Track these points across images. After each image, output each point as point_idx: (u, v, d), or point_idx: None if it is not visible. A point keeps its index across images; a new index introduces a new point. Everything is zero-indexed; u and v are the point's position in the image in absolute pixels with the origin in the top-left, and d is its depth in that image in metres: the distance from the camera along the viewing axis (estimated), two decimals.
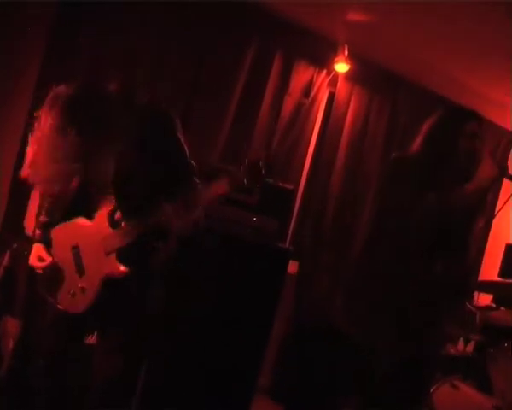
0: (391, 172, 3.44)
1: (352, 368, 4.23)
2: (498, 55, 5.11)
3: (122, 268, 3.01)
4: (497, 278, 5.89)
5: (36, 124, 3.00)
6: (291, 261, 4.69)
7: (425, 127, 3.48)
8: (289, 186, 4.67)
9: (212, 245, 4.18)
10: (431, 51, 5.40)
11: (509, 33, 4.53)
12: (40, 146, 3.00)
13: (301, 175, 5.37)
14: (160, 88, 4.27)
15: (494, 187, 3.43)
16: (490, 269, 6.07)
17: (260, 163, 2.89)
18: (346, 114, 5.46)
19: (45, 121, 2.97)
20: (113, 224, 3.04)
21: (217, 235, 4.20)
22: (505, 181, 3.38)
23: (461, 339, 5.21)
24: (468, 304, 4.73)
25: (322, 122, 5.46)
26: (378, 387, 3.47)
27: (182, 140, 3.17)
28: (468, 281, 3.96)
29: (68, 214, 3.11)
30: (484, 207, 3.54)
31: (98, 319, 3.11)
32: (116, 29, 4.18)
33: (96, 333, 3.16)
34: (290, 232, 5.30)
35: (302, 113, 5.29)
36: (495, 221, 6.19)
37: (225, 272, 4.27)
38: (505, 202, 3.52)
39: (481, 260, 6.23)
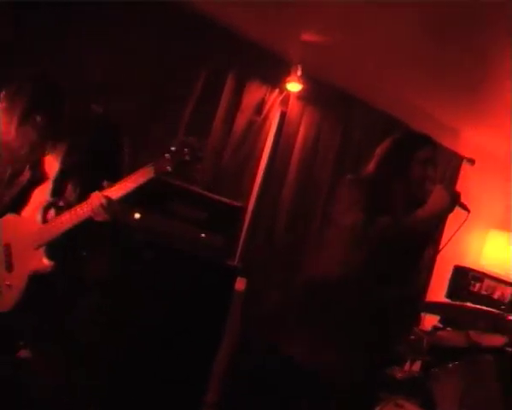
0: (344, 194, 3.45)
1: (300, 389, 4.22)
2: (450, 80, 5.19)
3: (46, 262, 2.96)
4: (444, 299, 5.96)
5: None
6: (240, 278, 4.68)
7: (379, 150, 3.49)
8: (238, 203, 4.67)
9: (158, 260, 4.16)
10: (384, 73, 5.46)
11: (461, 57, 4.60)
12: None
13: (252, 191, 5.36)
14: (114, 102, 4.27)
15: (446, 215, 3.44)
16: (437, 290, 6.13)
17: (185, 150, 2.93)
18: (297, 132, 5.48)
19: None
20: (45, 219, 3.03)
21: (162, 250, 4.18)
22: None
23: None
24: (415, 326, 4.76)
25: (273, 139, 5.46)
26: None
27: (124, 152, 3.19)
28: (416, 305, 3.99)
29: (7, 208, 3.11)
30: (434, 235, 3.57)
31: (27, 321, 3.06)
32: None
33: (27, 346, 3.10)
34: (240, 249, 5.29)
35: (253, 130, 5.30)
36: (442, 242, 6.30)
37: (172, 287, 4.24)
38: (456, 231, 3.54)
39: (429, 281, 6.29)
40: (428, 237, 3.47)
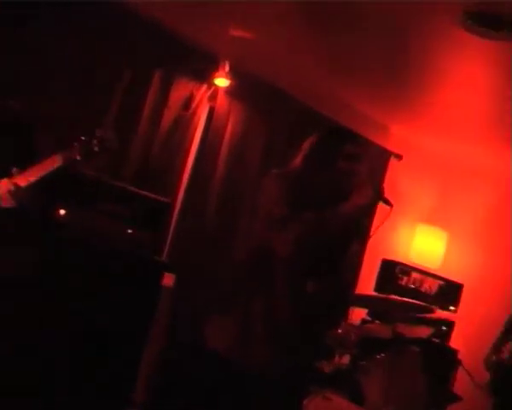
0: (269, 188, 3.45)
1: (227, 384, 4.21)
2: (379, 77, 5.25)
3: None
4: (372, 293, 6.03)
5: None
6: (168, 274, 4.65)
7: (305, 145, 3.51)
8: (165, 199, 4.64)
9: (82, 257, 4.10)
10: (312, 70, 5.50)
11: (391, 53, 4.66)
12: None
13: (180, 186, 5.32)
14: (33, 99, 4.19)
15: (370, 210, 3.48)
16: (366, 284, 6.20)
17: (94, 141, 3.00)
18: (225, 127, 5.46)
19: None
20: None
21: (87, 246, 4.13)
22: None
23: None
24: (343, 320, 4.79)
25: (201, 135, 5.43)
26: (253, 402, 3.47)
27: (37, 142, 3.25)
28: (344, 298, 4.01)
29: None
30: (360, 229, 3.60)
31: None
32: None
33: None
34: (168, 245, 5.25)
35: (181, 125, 5.26)
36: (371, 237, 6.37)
37: (97, 284, 4.18)
38: (379, 226, 3.57)
39: (358, 275, 6.35)
40: (353, 230, 3.50)
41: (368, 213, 3.57)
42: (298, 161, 3.47)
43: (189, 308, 5.14)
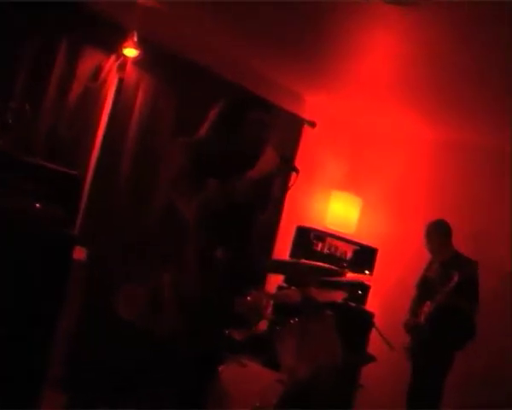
0: (175, 157, 3.43)
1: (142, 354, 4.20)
2: (293, 46, 5.27)
3: None
4: (288, 259, 6.09)
5: None
6: (80, 247, 4.59)
7: (212, 113, 3.49)
8: (74, 172, 4.55)
9: None
10: (223, 39, 5.49)
11: (304, 24, 4.67)
12: None
13: (90, 159, 5.23)
14: None
15: (280, 176, 3.49)
16: (282, 251, 6.26)
17: (8, 113, 2.90)
18: (135, 98, 5.38)
19: None
20: None
21: None
22: None
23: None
24: (257, 287, 4.83)
25: (111, 106, 5.33)
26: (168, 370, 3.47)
27: None
28: (256, 266, 4.04)
29: None
30: (267, 196, 3.61)
31: None
32: None
33: None
34: (79, 219, 5.17)
35: (90, 97, 5.14)
36: (287, 204, 6.45)
37: (5, 260, 4.09)
38: (286, 192, 3.61)
39: (273, 242, 6.41)
40: (262, 197, 3.51)
41: (273, 179, 3.57)
42: (204, 129, 3.46)
43: (102, 280, 5.09)
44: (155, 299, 3.44)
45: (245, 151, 3.39)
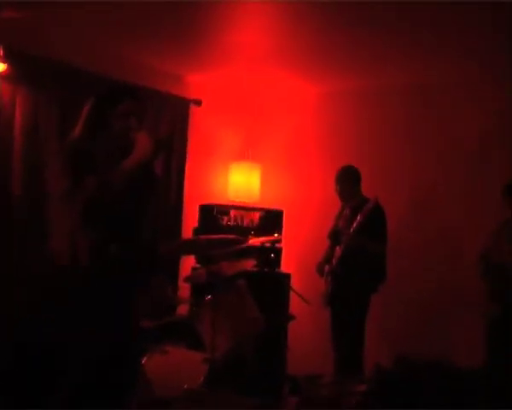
0: (53, 162, 3.45)
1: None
2: (167, 28, 5.26)
3: None
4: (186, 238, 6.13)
5: None
6: None
7: (84, 110, 3.52)
8: None
9: None
10: (93, 34, 5.45)
11: (175, 6, 4.67)
12: None
13: None
14: None
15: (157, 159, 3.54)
16: (190, 233, 6.28)
17: None
18: (13, 112, 5.24)
19: None
20: None
21: None
22: None
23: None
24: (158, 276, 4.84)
25: None
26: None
27: None
28: (153, 254, 4.06)
29: None
30: (150, 182, 3.66)
31: None
32: None
33: None
34: None
35: None
36: (188, 185, 6.50)
37: None
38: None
39: (180, 226, 6.44)
40: (144, 184, 3.56)
41: (152, 164, 3.61)
42: (77, 128, 3.48)
43: None
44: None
45: (118, 143, 3.43)
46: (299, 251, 6.77)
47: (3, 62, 5.13)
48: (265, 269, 6.03)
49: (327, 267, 5.84)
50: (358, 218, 5.37)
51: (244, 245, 4.99)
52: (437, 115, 6.23)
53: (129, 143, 3.38)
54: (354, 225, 5.40)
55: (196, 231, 4.62)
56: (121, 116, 3.43)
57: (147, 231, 3.67)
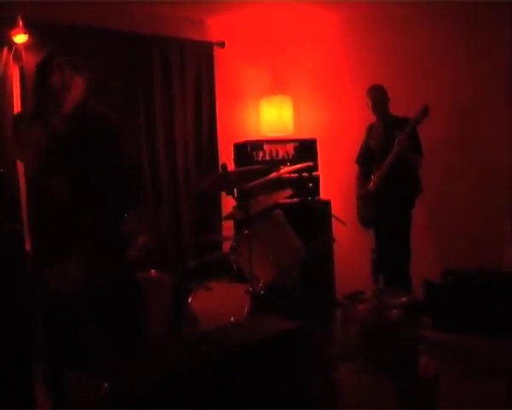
0: None
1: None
2: None
3: None
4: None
5: None
6: None
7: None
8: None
9: None
10: None
11: None
12: None
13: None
14: None
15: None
16: None
17: None
18: None
19: None
20: None
21: None
22: None
23: None
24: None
25: (21, 98, 5.39)
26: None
27: None
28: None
29: None
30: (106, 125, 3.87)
31: None
32: None
33: None
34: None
35: None
36: (221, 126, 6.54)
37: None
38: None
39: (216, 165, 6.51)
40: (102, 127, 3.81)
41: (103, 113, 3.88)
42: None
43: None
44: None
45: (54, 94, 3.70)
46: (337, 177, 6.80)
47: (24, 33, 5.26)
48: (308, 197, 6.07)
49: (364, 190, 5.89)
50: (400, 137, 5.43)
51: (275, 173, 5.08)
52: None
53: (64, 92, 3.69)
54: (398, 140, 5.45)
55: (224, 167, 4.67)
56: (56, 71, 3.71)
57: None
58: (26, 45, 5.36)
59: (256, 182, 4.85)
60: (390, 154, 5.56)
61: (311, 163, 5.94)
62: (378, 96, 5.81)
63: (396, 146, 5.54)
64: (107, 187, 3.72)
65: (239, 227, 5.54)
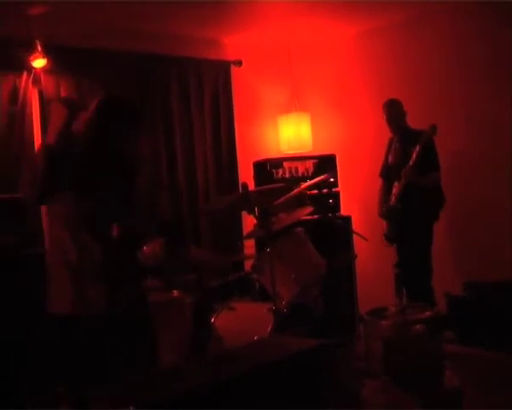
0: None
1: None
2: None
3: None
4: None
5: None
6: None
7: None
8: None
9: None
10: (125, 15, 5.57)
11: None
12: None
13: None
14: None
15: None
16: None
17: None
18: None
19: None
20: None
21: None
22: None
23: None
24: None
25: (41, 121, 5.44)
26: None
27: None
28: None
29: None
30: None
31: None
32: None
33: None
34: None
35: (16, 121, 5.29)
36: (240, 144, 6.54)
37: None
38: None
39: (236, 184, 6.51)
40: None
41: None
42: None
43: None
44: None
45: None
46: (356, 193, 6.79)
47: (44, 57, 5.32)
48: (329, 214, 6.06)
49: (385, 206, 5.87)
50: (416, 150, 5.40)
51: (296, 190, 5.07)
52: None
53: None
54: (414, 156, 5.42)
55: (245, 186, 4.65)
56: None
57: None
58: (44, 69, 5.42)
59: (278, 201, 4.83)
60: (405, 170, 5.54)
61: (328, 174, 5.90)
62: (394, 111, 5.79)
63: (402, 178, 5.54)
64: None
65: (260, 246, 5.54)
